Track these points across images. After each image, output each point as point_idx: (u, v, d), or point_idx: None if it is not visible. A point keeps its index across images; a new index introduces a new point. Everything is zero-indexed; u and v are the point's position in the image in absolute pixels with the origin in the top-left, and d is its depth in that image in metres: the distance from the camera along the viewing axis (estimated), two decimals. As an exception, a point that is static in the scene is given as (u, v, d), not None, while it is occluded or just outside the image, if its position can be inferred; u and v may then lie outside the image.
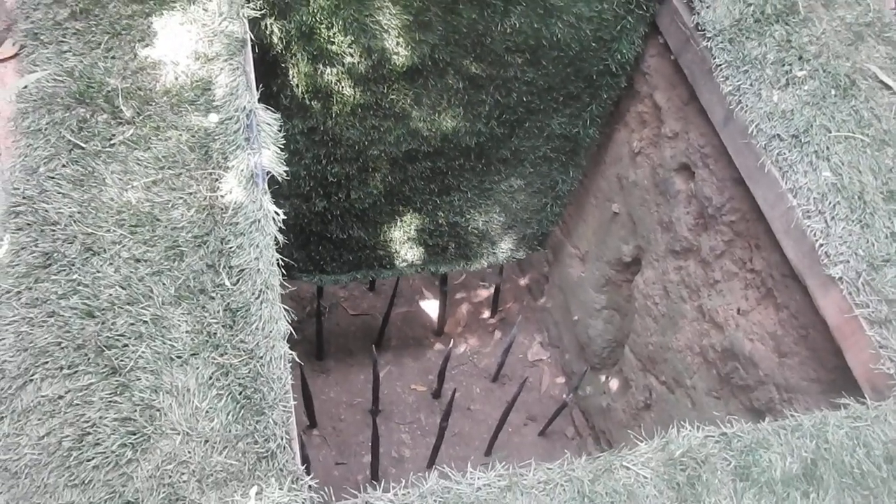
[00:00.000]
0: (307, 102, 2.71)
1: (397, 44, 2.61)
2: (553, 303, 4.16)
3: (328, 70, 2.64)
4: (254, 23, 2.33)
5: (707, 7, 2.50)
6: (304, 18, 2.45)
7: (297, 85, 2.66)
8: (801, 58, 2.34)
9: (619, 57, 2.85)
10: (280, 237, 1.98)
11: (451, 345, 3.72)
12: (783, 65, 2.33)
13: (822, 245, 2.02)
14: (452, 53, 2.70)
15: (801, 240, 2.11)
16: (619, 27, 2.75)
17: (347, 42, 2.56)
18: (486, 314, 4.36)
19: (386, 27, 2.55)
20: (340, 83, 2.70)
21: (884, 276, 1.94)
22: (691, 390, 2.94)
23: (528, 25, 2.65)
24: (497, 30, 2.65)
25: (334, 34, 2.53)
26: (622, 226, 3.37)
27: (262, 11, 2.36)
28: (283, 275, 1.93)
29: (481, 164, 3.17)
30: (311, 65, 2.61)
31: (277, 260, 1.93)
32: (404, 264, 3.49)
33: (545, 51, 2.75)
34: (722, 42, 2.43)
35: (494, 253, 3.63)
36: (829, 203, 2.07)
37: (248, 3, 2.29)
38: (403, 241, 3.40)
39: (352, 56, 2.61)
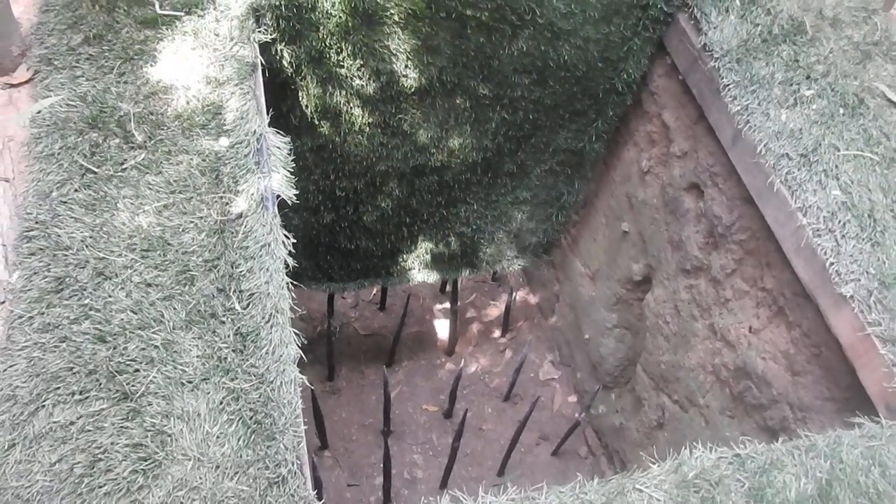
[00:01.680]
0: (316, 122, 2.73)
1: (406, 67, 2.63)
2: (564, 321, 4.14)
3: (337, 92, 2.66)
4: (264, 47, 2.35)
5: (714, 28, 2.51)
6: (313, 44, 2.47)
7: (307, 106, 2.68)
8: (808, 77, 2.34)
9: (625, 76, 2.86)
10: (290, 260, 1.99)
11: (461, 364, 3.71)
12: (791, 84, 2.34)
13: (832, 263, 2.01)
14: (460, 75, 2.72)
15: (811, 258, 2.10)
16: (625, 48, 2.76)
17: (357, 66, 2.58)
18: (497, 333, 4.35)
19: (395, 51, 2.57)
20: (349, 104, 2.72)
21: (896, 295, 1.93)
22: (704, 409, 2.92)
23: (536, 48, 2.66)
24: (504, 53, 2.67)
25: (343, 58, 2.55)
26: (632, 244, 3.37)
27: (273, 36, 2.39)
28: (292, 283, 1.93)
29: (488, 178, 3.20)
30: (320, 87, 2.63)
31: (287, 283, 1.93)
32: (411, 272, 3.53)
33: (552, 71, 2.77)
34: (729, 62, 2.43)
35: (500, 260, 3.67)
36: (839, 221, 2.06)
37: (259, 28, 2.31)
38: (411, 251, 3.44)
39: (361, 79, 2.63)
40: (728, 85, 2.43)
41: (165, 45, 2.20)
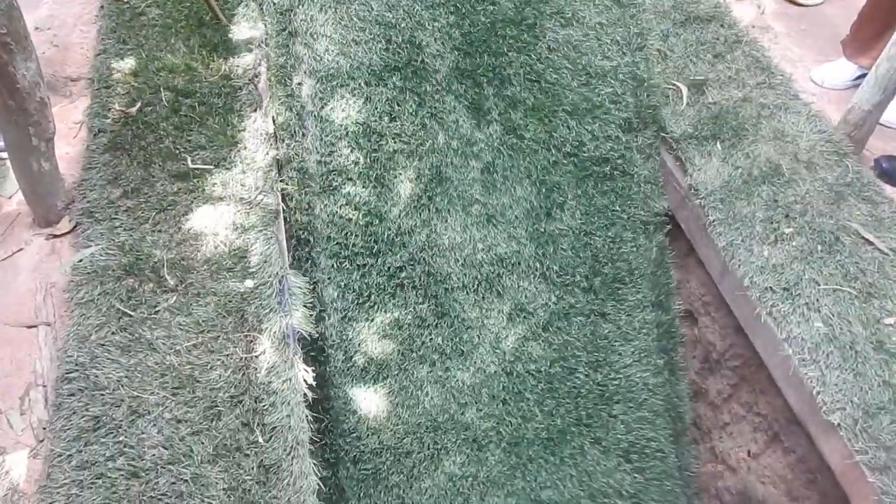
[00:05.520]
0: None
1: None
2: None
3: None
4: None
5: (698, 170, 2.73)
6: None
7: None
8: (787, 216, 2.53)
9: None
10: (309, 393, 2.12)
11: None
12: (771, 222, 2.53)
13: (819, 392, 2.14)
14: None
15: (799, 387, 2.22)
16: None
17: None
18: None
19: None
20: None
21: (880, 423, 2.04)
22: (709, 534, 2.97)
23: None
24: None
25: None
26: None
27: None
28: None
29: None
30: None
31: (307, 416, 2.06)
32: None
33: None
34: (714, 201, 2.64)
35: None
36: (823, 352, 2.20)
37: (282, 179, 2.53)
38: None
39: None
40: (713, 222, 2.62)
41: (196, 195, 2.40)
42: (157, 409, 1.95)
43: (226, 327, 2.15)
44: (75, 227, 2.33)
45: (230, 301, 2.20)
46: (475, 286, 2.69)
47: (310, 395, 2.13)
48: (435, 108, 2.85)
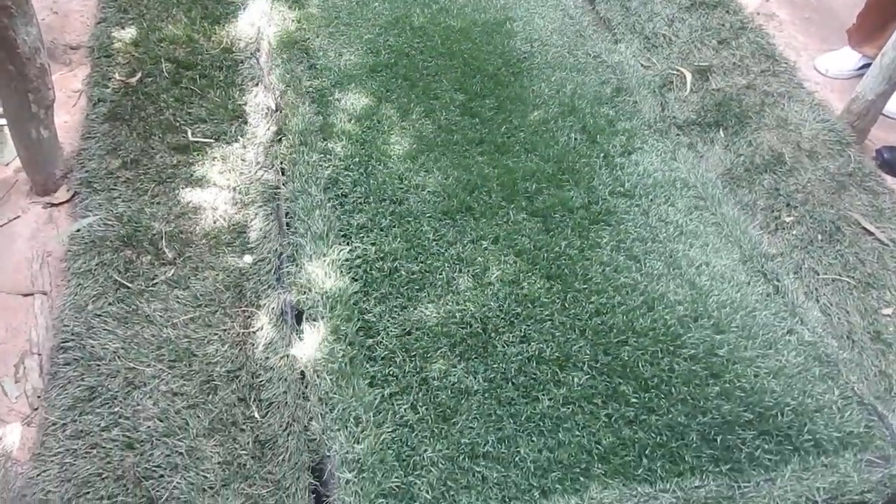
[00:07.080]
0: None
1: None
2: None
3: None
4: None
5: (701, 157, 2.72)
6: None
7: None
8: (788, 204, 2.53)
9: None
10: (307, 371, 2.11)
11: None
12: (772, 211, 2.52)
13: (816, 381, 2.14)
14: None
15: (797, 375, 2.23)
16: None
17: None
18: None
19: None
20: None
21: (875, 413, 2.06)
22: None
23: None
24: None
25: None
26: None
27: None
28: None
29: None
30: None
31: (303, 392, 2.05)
32: None
33: None
34: (715, 189, 2.63)
35: None
36: (822, 341, 2.20)
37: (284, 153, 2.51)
38: None
39: None
40: (715, 210, 2.61)
41: (196, 168, 2.39)
42: (154, 382, 1.94)
43: (224, 302, 2.14)
44: (73, 196, 2.31)
45: (228, 276, 2.19)
46: (511, 202, 2.53)
47: (307, 372, 2.12)
48: (427, 88, 2.87)
